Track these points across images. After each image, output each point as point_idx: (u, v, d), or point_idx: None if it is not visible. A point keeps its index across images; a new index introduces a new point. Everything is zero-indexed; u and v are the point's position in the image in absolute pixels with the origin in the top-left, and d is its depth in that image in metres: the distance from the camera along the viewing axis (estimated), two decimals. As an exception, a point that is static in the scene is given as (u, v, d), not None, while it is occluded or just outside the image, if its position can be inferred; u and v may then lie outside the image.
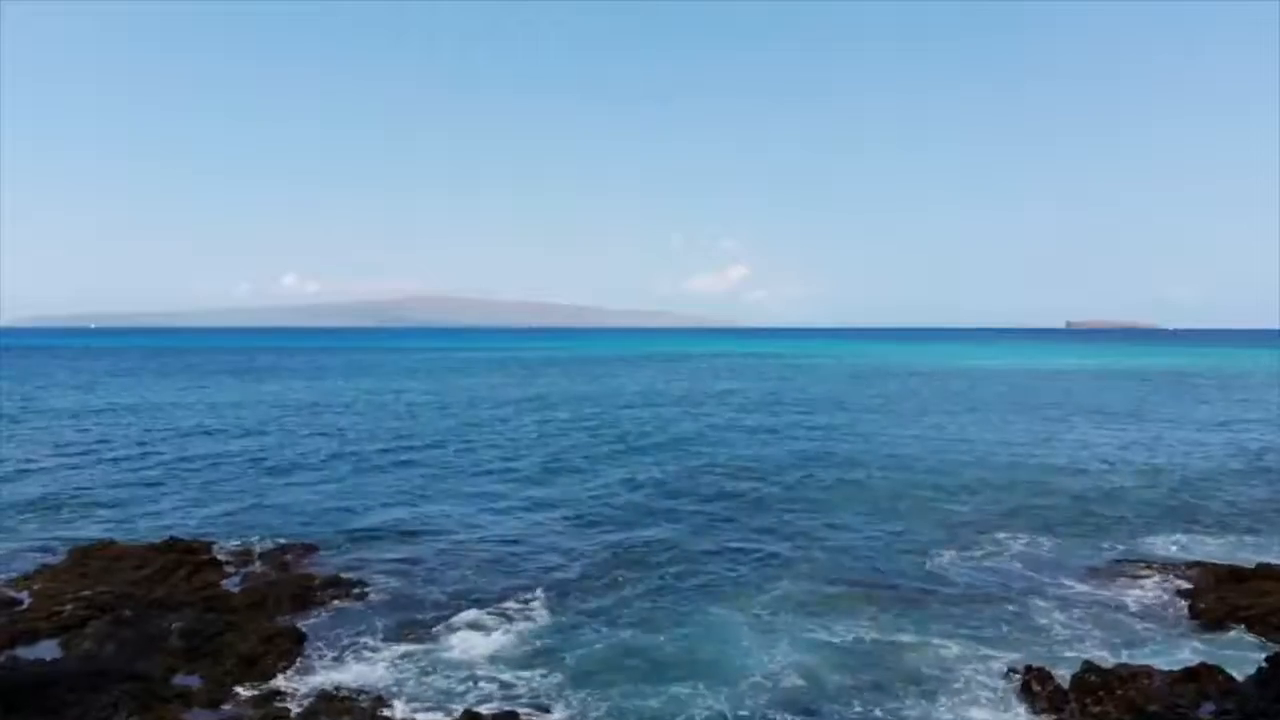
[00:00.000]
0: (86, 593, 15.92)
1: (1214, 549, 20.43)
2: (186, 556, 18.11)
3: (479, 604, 16.23)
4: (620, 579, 17.86)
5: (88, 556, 18.36)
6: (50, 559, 18.98)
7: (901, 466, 30.48)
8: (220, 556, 18.55)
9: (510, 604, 16.27)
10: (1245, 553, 19.98)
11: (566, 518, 23.22)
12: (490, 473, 29.56)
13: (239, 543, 20.10)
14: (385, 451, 33.28)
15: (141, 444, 34.83)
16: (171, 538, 19.75)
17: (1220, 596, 15.77)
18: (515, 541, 20.72)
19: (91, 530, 21.99)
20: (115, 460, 31.18)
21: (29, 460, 30.98)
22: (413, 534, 21.37)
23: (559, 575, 18.02)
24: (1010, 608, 15.89)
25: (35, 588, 16.53)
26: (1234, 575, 16.96)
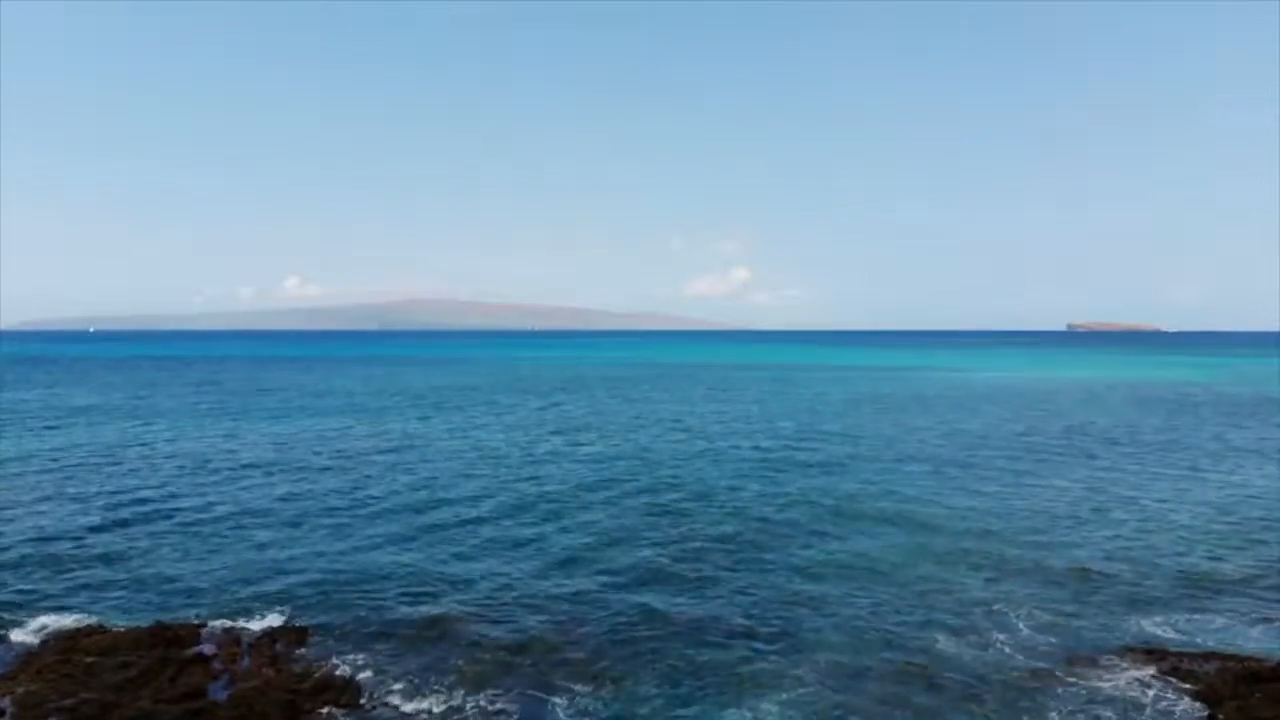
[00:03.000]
0: (69, 701, 15.44)
1: (1229, 625, 19.98)
2: (173, 651, 17.62)
3: (486, 711, 15.76)
4: (637, 666, 17.70)
5: (74, 648, 17.87)
6: (36, 643, 18.59)
7: (907, 522, 30.06)
8: (207, 648, 18.03)
9: (522, 709, 15.85)
10: (1259, 633, 19.54)
11: (570, 583, 22.70)
12: (496, 527, 29.10)
13: (228, 625, 19.60)
14: (390, 507, 32.24)
15: (133, 492, 34.29)
16: (158, 623, 19.30)
17: (1240, 705, 15.26)
18: (520, 621, 20.18)
19: (81, 597, 21.62)
20: (105, 511, 30.66)
21: (13, 512, 30.52)
22: (410, 611, 20.83)
23: (572, 668, 17.58)
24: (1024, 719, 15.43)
25: (19, 691, 16.02)
26: (1252, 674, 16.46)
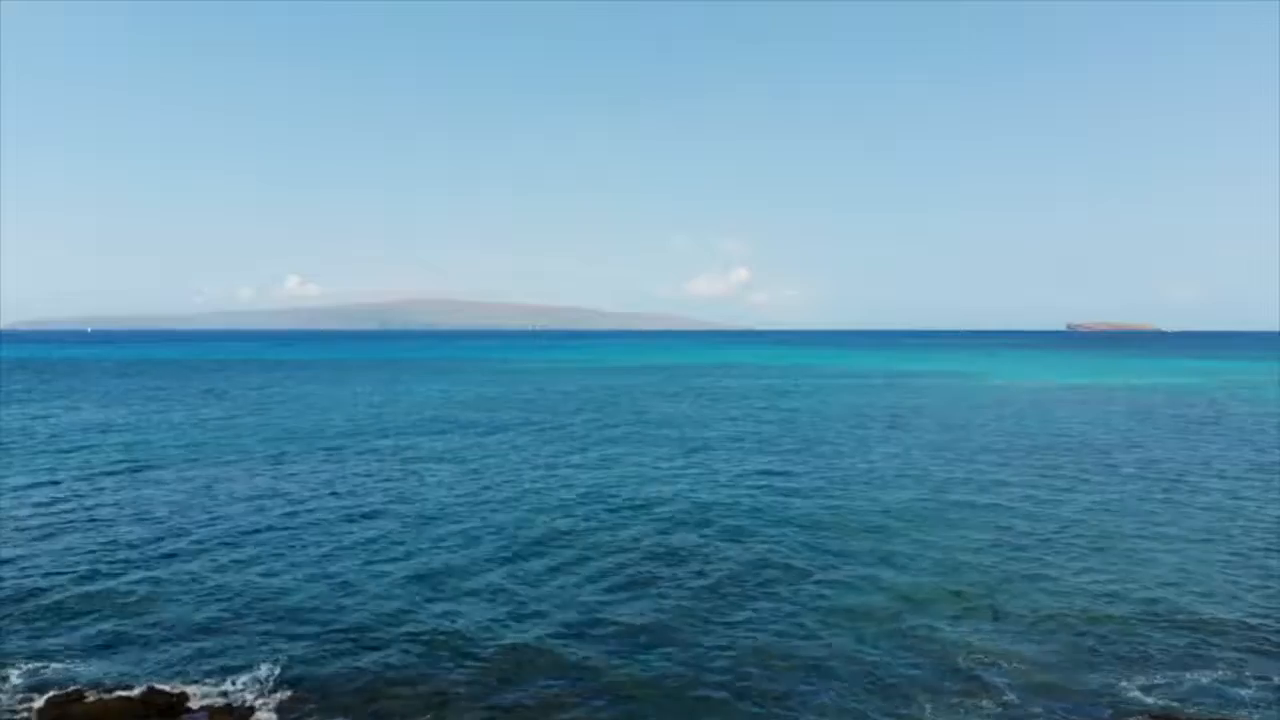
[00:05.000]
0: (58, 782, 15.30)
1: (1233, 683, 19.75)
2: (164, 722, 17.49)
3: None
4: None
5: (63, 717, 17.73)
6: (26, 712, 18.42)
7: (901, 564, 29.81)
8: (199, 720, 17.89)
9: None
10: (1265, 694, 19.34)
11: (571, 636, 22.52)
12: (498, 574, 28.82)
13: (220, 687, 19.48)
14: (389, 552, 31.40)
15: (130, 529, 34.05)
16: (150, 687, 19.15)
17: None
18: (520, 679, 20.04)
19: (71, 652, 21.47)
20: (97, 553, 30.34)
21: (2, 556, 30.29)
22: (405, 667, 20.65)
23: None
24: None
25: (5, 768, 15.91)
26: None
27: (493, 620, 24.05)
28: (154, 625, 23.46)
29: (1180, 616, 24.21)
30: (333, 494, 40.94)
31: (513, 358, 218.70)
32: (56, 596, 25.67)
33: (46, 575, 27.68)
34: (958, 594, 26.11)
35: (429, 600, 25.73)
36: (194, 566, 28.76)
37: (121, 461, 49.55)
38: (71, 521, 34.86)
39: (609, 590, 26.79)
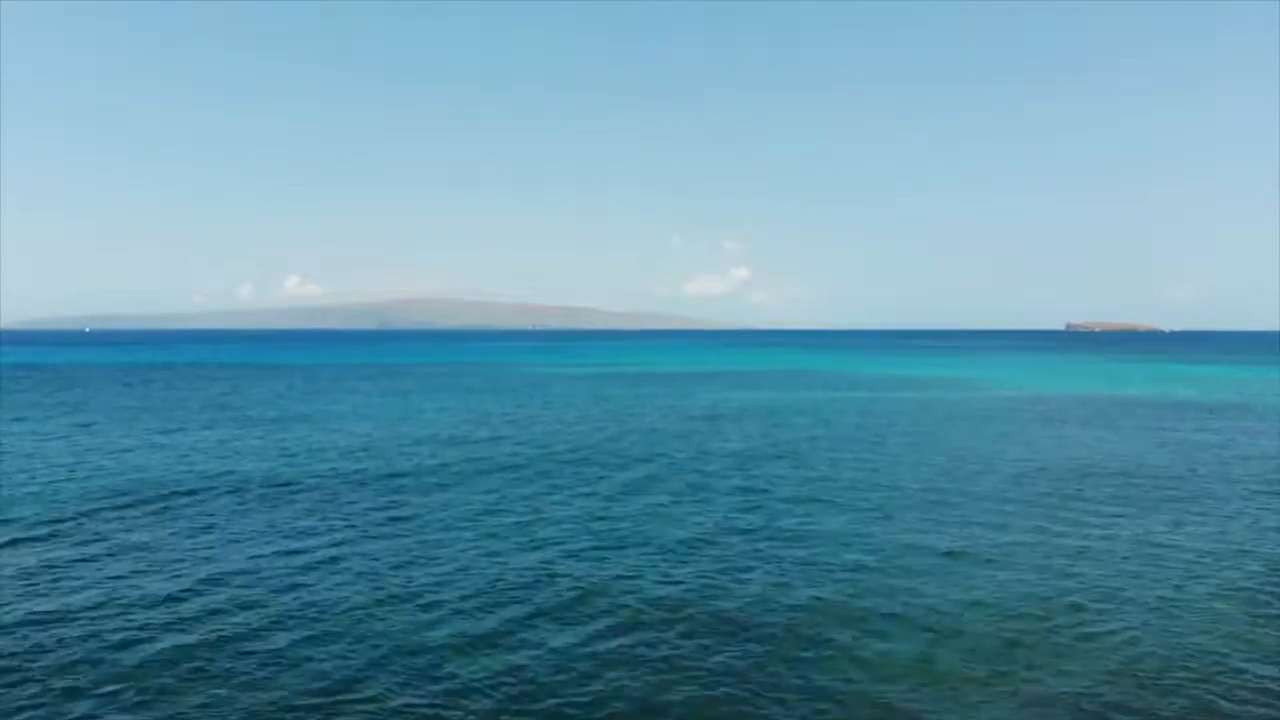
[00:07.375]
0: None
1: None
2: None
3: None
4: None
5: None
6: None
7: (908, 628, 28.82)
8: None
9: None
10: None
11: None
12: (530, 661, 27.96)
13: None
14: (406, 617, 30.69)
15: (125, 585, 32.94)
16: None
17: None
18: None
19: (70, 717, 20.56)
20: (90, 613, 29.17)
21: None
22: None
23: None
24: None
25: None
26: None
27: (509, 700, 22.95)
28: (154, 690, 22.16)
29: (1189, 677, 22.69)
30: (339, 538, 38.70)
31: (511, 361, 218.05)
32: (51, 661, 24.09)
33: (43, 639, 25.98)
34: (967, 658, 25.00)
35: (442, 675, 23.91)
36: (198, 631, 27.20)
37: (126, 498, 45.99)
38: (72, 573, 32.96)
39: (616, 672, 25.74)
